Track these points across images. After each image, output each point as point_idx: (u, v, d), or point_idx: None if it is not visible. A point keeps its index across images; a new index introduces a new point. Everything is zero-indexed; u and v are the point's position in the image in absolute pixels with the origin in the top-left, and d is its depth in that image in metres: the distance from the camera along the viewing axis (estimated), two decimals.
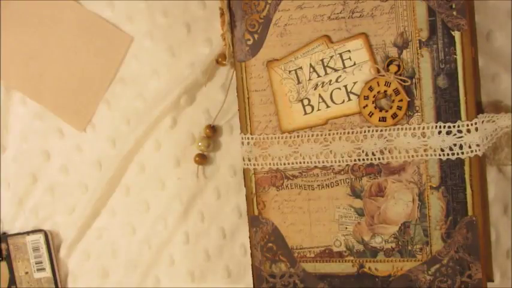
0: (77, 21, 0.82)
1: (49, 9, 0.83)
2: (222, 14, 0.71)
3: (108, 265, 0.85)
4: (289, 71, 0.69)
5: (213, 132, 0.80)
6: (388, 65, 0.66)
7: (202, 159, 0.81)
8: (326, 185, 0.69)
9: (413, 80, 0.65)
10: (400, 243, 0.68)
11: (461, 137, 0.64)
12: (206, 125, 0.81)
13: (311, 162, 0.69)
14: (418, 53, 0.65)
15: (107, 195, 0.84)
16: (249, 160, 0.71)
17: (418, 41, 0.65)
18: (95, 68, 0.82)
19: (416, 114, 0.66)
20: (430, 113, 0.65)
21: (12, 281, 0.85)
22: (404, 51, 0.65)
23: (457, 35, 0.64)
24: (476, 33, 0.72)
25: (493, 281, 0.71)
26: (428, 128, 0.65)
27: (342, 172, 0.69)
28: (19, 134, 0.86)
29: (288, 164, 0.70)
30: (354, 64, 0.67)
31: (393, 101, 0.66)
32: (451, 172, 0.65)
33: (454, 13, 0.63)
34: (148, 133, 0.82)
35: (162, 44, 0.81)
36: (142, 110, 0.82)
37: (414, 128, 0.66)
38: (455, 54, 0.64)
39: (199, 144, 0.80)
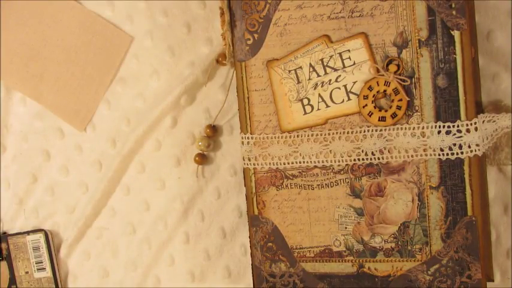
0: (77, 21, 0.82)
1: (49, 9, 0.83)
2: (222, 14, 0.71)
3: (108, 265, 0.85)
4: (289, 71, 0.69)
5: (213, 132, 0.80)
6: (387, 65, 0.65)
7: (203, 159, 0.81)
8: (326, 184, 0.69)
9: (413, 79, 0.65)
10: (399, 243, 0.68)
11: (460, 136, 0.64)
12: (206, 124, 0.81)
13: (311, 162, 0.69)
14: (417, 53, 0.65)
15: (107, 195, 0.84)
16: (249, 160, 0.71)
17: (417, 41, 0.65)
18: (95, 68, 0.82)
19: (415, 113, 0.66)
20: (430, 112, 0.65)
21: (12, 280, 0.86)
22: (403, 51, 0.65)
23: (456, 34, 0.64)
24: (476, 33, 0.72)
25: (493, 280, 0.71)
26: (427, 127, 0.65)
27: (342, 172, 0.69)
28: (19, 134, 0.86)
29: (288, 163, 0.70)
30: (354, 64, 0.67)
31: (393, 100, 0.66)
32: (451, 172, 0.65)
33: (454, 12, 0.63)
34: (148, 133, 0.82)
35: (162, 43, 0.81)
36: (142, 110, 0.82)
37: (414, 128, 0.66)
38: (455, 54, 0.64)
39: (200, 143, 0.80)
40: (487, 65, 0.73)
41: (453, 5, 0.63)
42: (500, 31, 0.73)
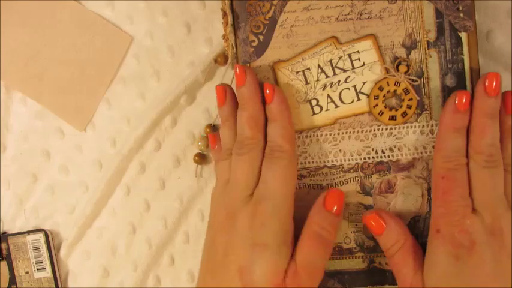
0: (77, 21, 0.82)
1: (49, 9, 0.82)
2: (224, 15, 0.71)
3: (109, 265, 0.85)
4: (297, 72, 0.69)
5: (213, 131, 0.80)
6: (397, 65, 0.67)
7: (202, 158, 0.81)
8: (335, 183, 0.70)
9: (422, 79, 0.67)
10: None
11: None
12: (206, 124, 0.81)
13: (320, 161, 0.70)
14: (426, 54, 0.66)
15: (107, 194, 0.83)
16: None
17: (426, 42, 0.66)
18: (95, 68, 0.82)
19: (424, 112, 0.67)
20: (439, 111, 0.67)
21: (12, 280, 0.85)
22: (412, 52, 0.67)
23: (463, 35, 0.65)
24: (477, 33, 0.73)
25: None
26: (436, 125, 0.67)
27: (352, 170, 0.69)
28: (19, 134, 0.85)
29: (297, 164, 0.70)
30: (363, 65, 0.68)
31: (403, 100, 0.67)
32: None
33: (461, 15, 0.65)
34: (148, 133, 0.82)
35: (162, 43, 0.82)
36: (142, 110, 0.82)
37: (423, 126, 0.67)
38: (463, 54, 0.66)
39: (199, 143, 0.80)
40: (487, 65, 0.75)
41: (460, 8, 0.65)
42: (500, 31, 0.74)
